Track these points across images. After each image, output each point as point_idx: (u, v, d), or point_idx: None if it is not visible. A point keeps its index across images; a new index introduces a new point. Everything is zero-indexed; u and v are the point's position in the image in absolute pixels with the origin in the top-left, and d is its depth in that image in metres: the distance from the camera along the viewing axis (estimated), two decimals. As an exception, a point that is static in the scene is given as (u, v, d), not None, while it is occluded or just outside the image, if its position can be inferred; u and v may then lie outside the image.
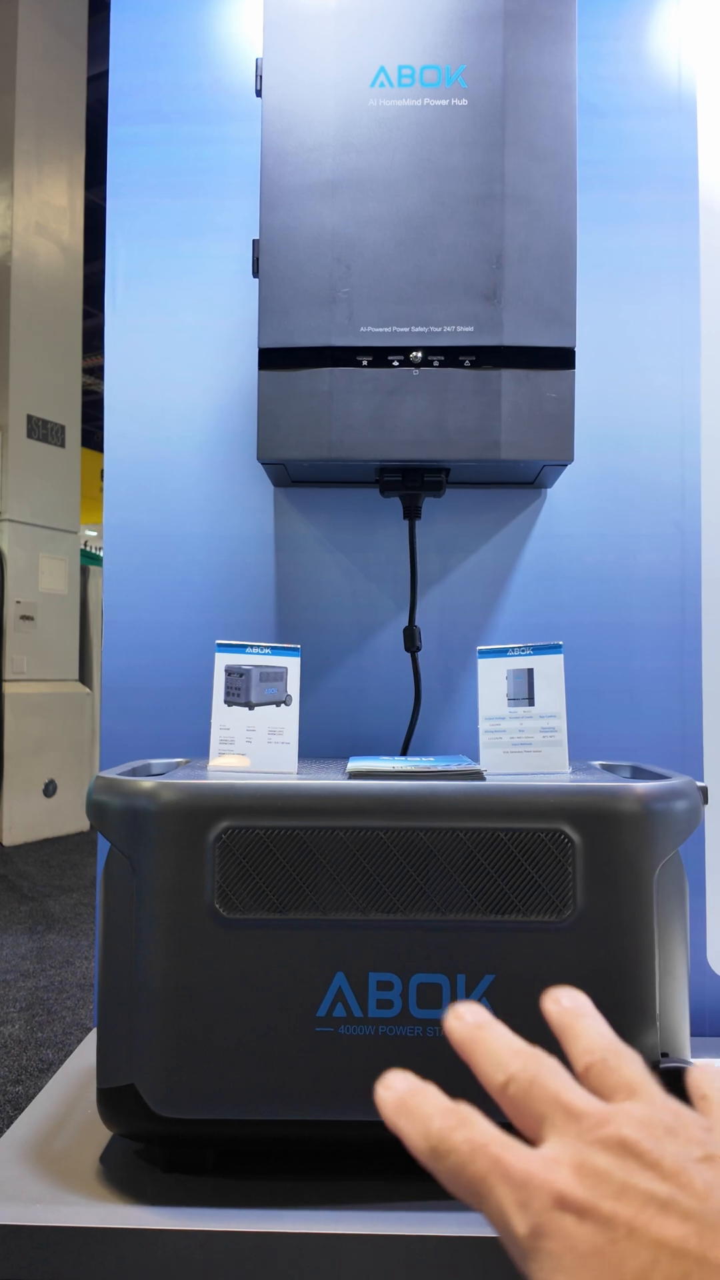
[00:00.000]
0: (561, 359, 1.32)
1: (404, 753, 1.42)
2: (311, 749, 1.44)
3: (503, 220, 1.31)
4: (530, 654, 1.21)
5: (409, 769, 1.08)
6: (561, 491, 1.49)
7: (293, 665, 1.21)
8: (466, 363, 1.31)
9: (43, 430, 6.78)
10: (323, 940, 1.00)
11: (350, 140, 1.32)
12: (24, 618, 6.53)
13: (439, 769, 1.08)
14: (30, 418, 6.76)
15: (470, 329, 1.31)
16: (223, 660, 1.20)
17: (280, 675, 1.20)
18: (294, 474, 1.44)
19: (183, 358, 1.52)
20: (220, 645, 1.21)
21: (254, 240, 1.35)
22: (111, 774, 1.08)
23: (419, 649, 1.41)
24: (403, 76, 1.33)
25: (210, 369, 1.51)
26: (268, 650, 1.21)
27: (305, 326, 1.33)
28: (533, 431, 1.31)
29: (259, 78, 1.36)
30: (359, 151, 1.32)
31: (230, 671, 1.19)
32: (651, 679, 1.47)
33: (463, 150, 1.32)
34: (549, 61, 1.33)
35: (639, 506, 1.48)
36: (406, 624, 1.42)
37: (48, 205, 7.16)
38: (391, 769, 1.08)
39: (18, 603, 6.49)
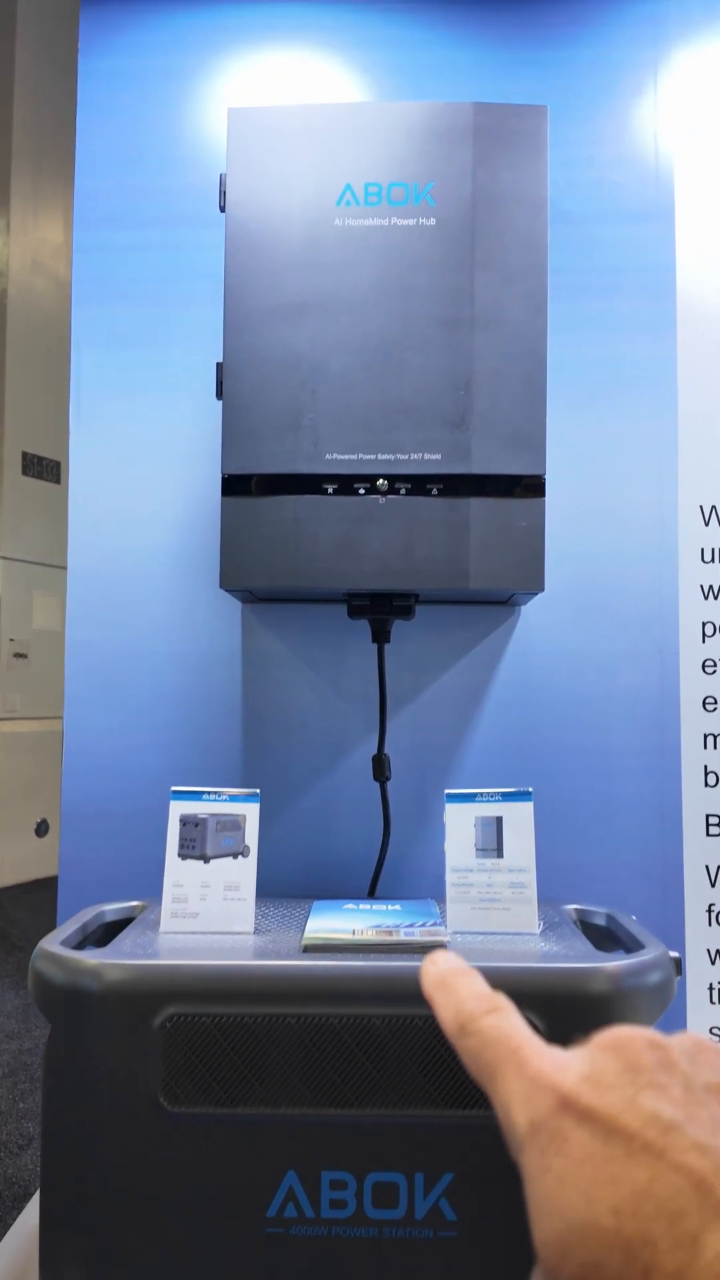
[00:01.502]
0: (531, 487, 1.28)
1: (371, 892, 1.37)
2: (279, 876, 1.39)
3: (472, 344, 1.27)
4: (500, 800, 1.16)
5: (367, 940, 1.03)
6: (537, 608, 1.44)
7: (251, 812, 1.16)
8: (434, 491, 1.27)
9: (38, 467, 6.75)
10: (273, 1136, 0.94)
11: (316, 261, 1.29)
12: (17, 655, 6.48)
13: (399, 939, 1.03)
14: (25, 454, 6.74)
15: (438, 456, 1.27)
16: (178, 809, 1.15)
17: (238, 824, 1.15)
18: (260, 593, 1.40)
19: (148, 469, 1.48)
20: (175, 793, 1.16)
21: (218, 364, 1.31)
22: (54, 945, 1.03)
23: (388, 778, 1.36)
24: (369, 195, 1.29)
25: (176, 480, 1.47)
26: (225, 797, 1.16)
27: (270, 453, 1.29)
28: (502, 561, 1.27)
29: (223, 194, 1.32)
30: (325, 272, 1.29)
31: (185, 821, 1.15)
32: (630, 804, 1.42)
33: (431, 271, 1.28)
34: (520, 178, 1.30)
35: (616, 624, 1.44)
36: (376, 751, 1.37)
37: (44, 243, 7.16)
38: (349, 940, 1.03)
39: (11, 640, 6.44)
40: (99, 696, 1.45)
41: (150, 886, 1.29)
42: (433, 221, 1.29)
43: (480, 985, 0.36)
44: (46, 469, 6.89)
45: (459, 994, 0.35)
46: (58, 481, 6.87)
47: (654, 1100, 0.29)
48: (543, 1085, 0.30)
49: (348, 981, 0.96)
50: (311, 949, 1.01)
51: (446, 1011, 0.34)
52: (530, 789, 1.14)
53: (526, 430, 1.27)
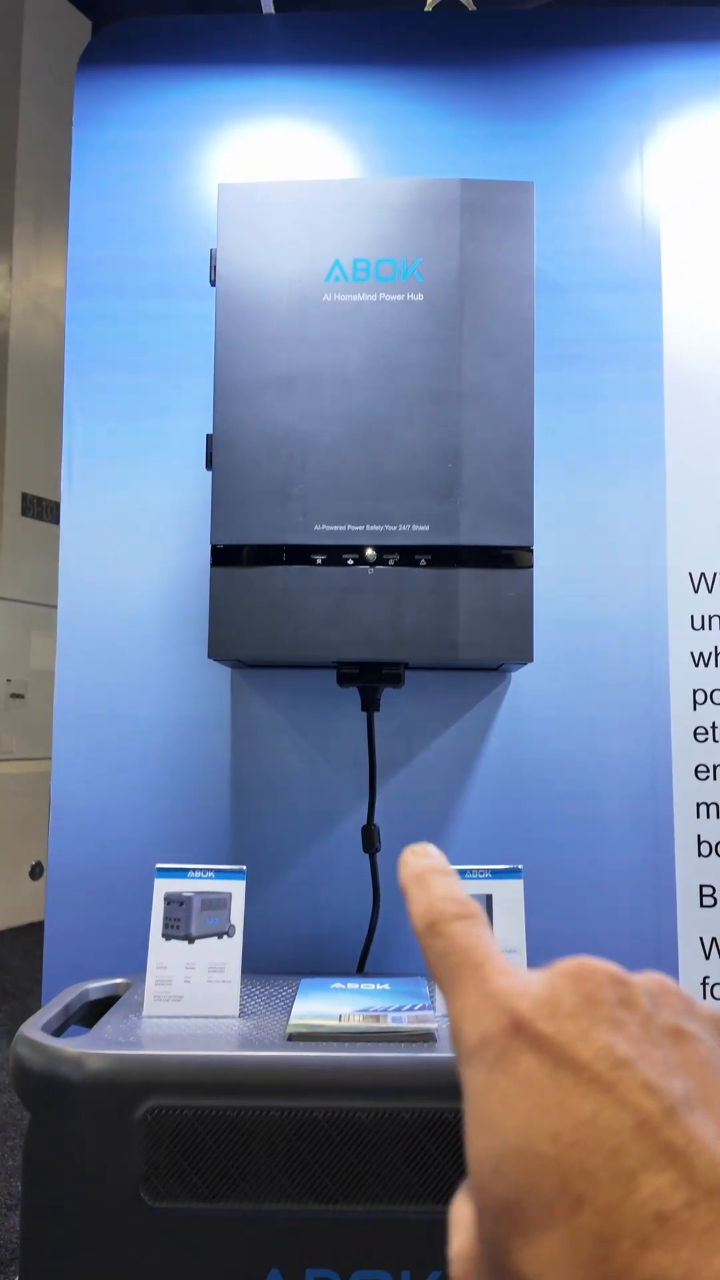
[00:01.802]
0: (520, 558, 1.28)
1: (361, 967, 1.35)
2: (266, 948, 1.37)
3: (459, 417, 1.28)
4: (489, 878, 1.15)
5: (354, 1028, 1.01)
6: (528, 673, 1.44)
7: (237, 890, 1.15)
8: (422, 562, 1.27)
9: (37, 508, 6.77)
10: (257, 1232, 0.92)
11: (305, 335, 1.30)
12: (14, 696, 6.46)
13: (386, 1026, 1.01)
14: (25, 495, 6.77)
15: (426, 528, 1.28)
16: (162, 887, 1.14)
17: (223, 902, 1.14)
18: (249, 661, 1.40)
19: (139, 535, 1.48)
20: (160, 870, 1.15)
21: (208, 435, 1.32)
22: (35, 1031, 1.01)
23: (378, 850, 1.35)
24: (358, 270, 1.30)
25: (167, 546, 1.48)
26: (211, 874, 1.15)
27: (259, 524, 1.29)
28: (491, 632, 1.27)
29: (213, 268, 1.34)
30: (314, 347, 1.30)
31: (170, 900, 1.13)
32: (623, 874, 1.41)
33: (419, 346, 1.29)
34: (507, 253, 1.31)
35: (607, 690, 1.43)
36: (365, 822, 1.36)
37: (45, 287, 7.25)
38: (335, 1027, 1.01)
39: (8, 681, 6.43)
40: (87, 762, 1.44)
41: (136, 959, 1.28)
42: (420, 297, 1.30)
43: (456, 888, 0.36)
44: (46, 510, 6.92)
45: (434, 892, 0.35)
46: (57, 522, 6.90)
47: (609, 1034, 0.28)
48: (498, 1003, 0.30)
49: (333, 1073, 0.94)
50: (297, 1037, 1.00)
51: (419, 906, 0.34)
52: (520, 866, 1.13)
53: (514, 502, 1.28)
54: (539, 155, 1.51)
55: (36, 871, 6.48)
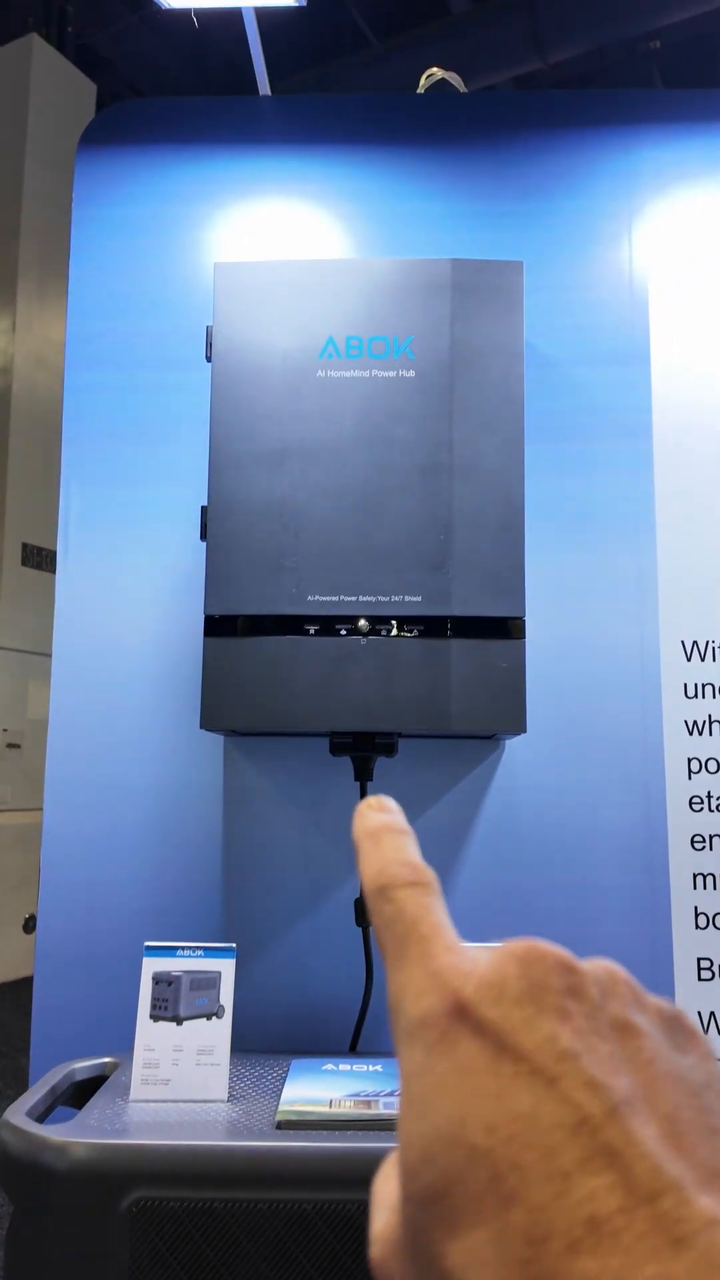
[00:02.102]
0: (512, 628, 1.28)
1: (353, 1045, 1.33)
2: (257, 1024, 1.35)
3: (450, 490, 1.30)
4: (481, 955, 1.14)
5: (344, 1115, 0.99)
6: (521, 741, 1.44)
7: (227, 969, 1.14)
8: (415, 632, 1.28)
9: (37, 557, 6.81)
10: (242, 1333, 0.90)
11: (299, 410, 1.32)
12: (10, 745, 6.44)
13: (378, 1113, 0.99)
14: (25, 545, 6.82)
15: (418, 599, 1.28)
16: (151, 966, 1.13)
17: (213, 982, 1.13)
18: (242, 730, 1.40)
19: (133, 602, 1.49)
20: (149, 949, 1.14)
21: (203, 507, 1.33)
22: (19, 1117, 0.99)
23: (370, 926, 1.33)
24: (351, 347, 1.33)
25: (160, 614, 1.48)
26: (200, 953, 1.14)
27: (252, 594, 1.30)
28: (484, 703, 1.27)
29: (209, 345, 1.36)
30: (307, 421, 1.32)
31: (158, 980, 1.12)
32: (620, 946, 1.39)
33: (410, 421, 1.31)
34: (497, 330, 1.34)
35: (601, 759, 1.43)
36: (358, 894, 1.34)
37: (48, 341, 7.37)
38: (325, 1114, 0.99)
39: (4, 730, 6.41)
40: (78, 831, 1.43)
41: (124, 1033, 1.26)
42: (412, 373, 1.32)
43: (411, 851, 0.34)
44: (46, 559, 6.95)
45: (386, 853, 0.33)
46: (54, 570, 6.92)
47: (554, 1025, 0.26)
48: (442, 982, 0.28)
49: (322, 1164, 0.92)
50: (286, 1125, 0.98)
51: (370, 866, 0.32)
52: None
53: (505, 573, 1.29)
54: (529, 233, 1.55)
55: (30, 924, 6.40)
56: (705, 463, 1.48)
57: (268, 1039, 1.35)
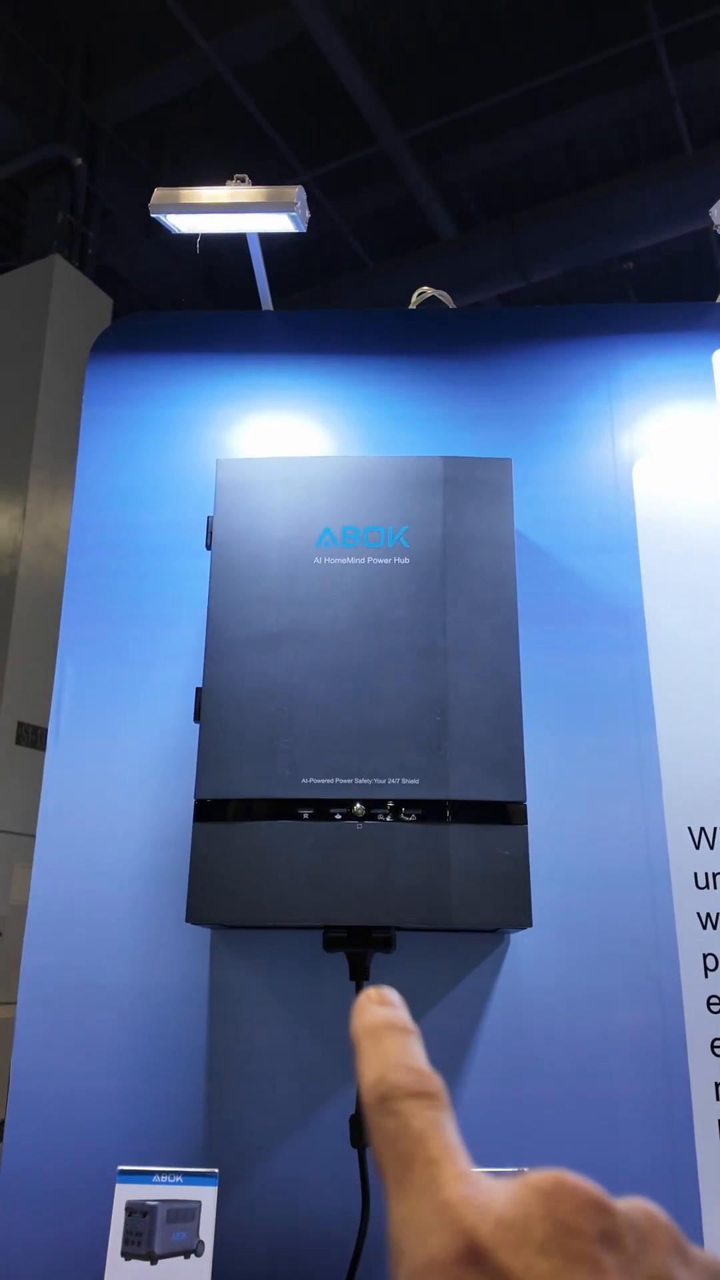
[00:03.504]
0: (513, 813, 1.25)
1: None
2: (241, 1259, 1.20)
3: (446, 672, 1.29)
4: (488, 1182, 1.03)
5: None
6: (526, 935, 1.36)
7: (208, 1198, 1.03)
8: (413, 816, 1.24)
9: (32, 736, 6.79)
10: None
11: (295, 595, 1.34)
12: (-9, 932, 6.17)
13: None
14: (20, 724, 6.81)
15: (415, 781, 1.25)
16: (124, 1193, 1.02)
17: (192, 1213, 1.02)
18: (230, 923, 1.33)
19: (121, 785, 1.45)
20: (122, 1174, 1.03)
21: (197, 689, 1.33)
22: None
23: (368, 1145, 1.22)
24: (346, 536, 1.36)
25: (148, 798, 1.45)
26: (178, 1178, 1.03)
27: (244, 777, 1.27)
28: (486, 894, 1.21)
29: (210, 534, 1.40)
30: (303, 606, 1.33)
31: (131, 1210, 1.01)
32: (639, 1166, 1.27)
33: (405, 605, 1.33)
34: (487, 522, 1.38)
35: (610, 955, 1.35)
36: (354, 1111, 1.24)
37: (56, 528, 7.66)
38: None
39: (-14, 915, 6.16)
40: (52, 1035, 1.33)
41: (93, 1273, 1.12)
42: (407, 560, 1.35)
43: (415, 1054, 0.30)
44: (40, 737, 6.92)
45: (389, 1056, 0.29)
46: (45, 749, 6.87)
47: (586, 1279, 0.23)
48: (454, 1219, 0.24)
49: None
50: None
51: (370, 1070, 0.29)
52: (525, 1171, 1.01)
53: (505, 755, 1.26)
54: (516, 433, 1.62)
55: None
56: (697, 648, 1.48)
57: (252, 1279, 1.20)
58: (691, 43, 4.23)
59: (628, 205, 4.56)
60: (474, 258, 4.95)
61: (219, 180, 1.62)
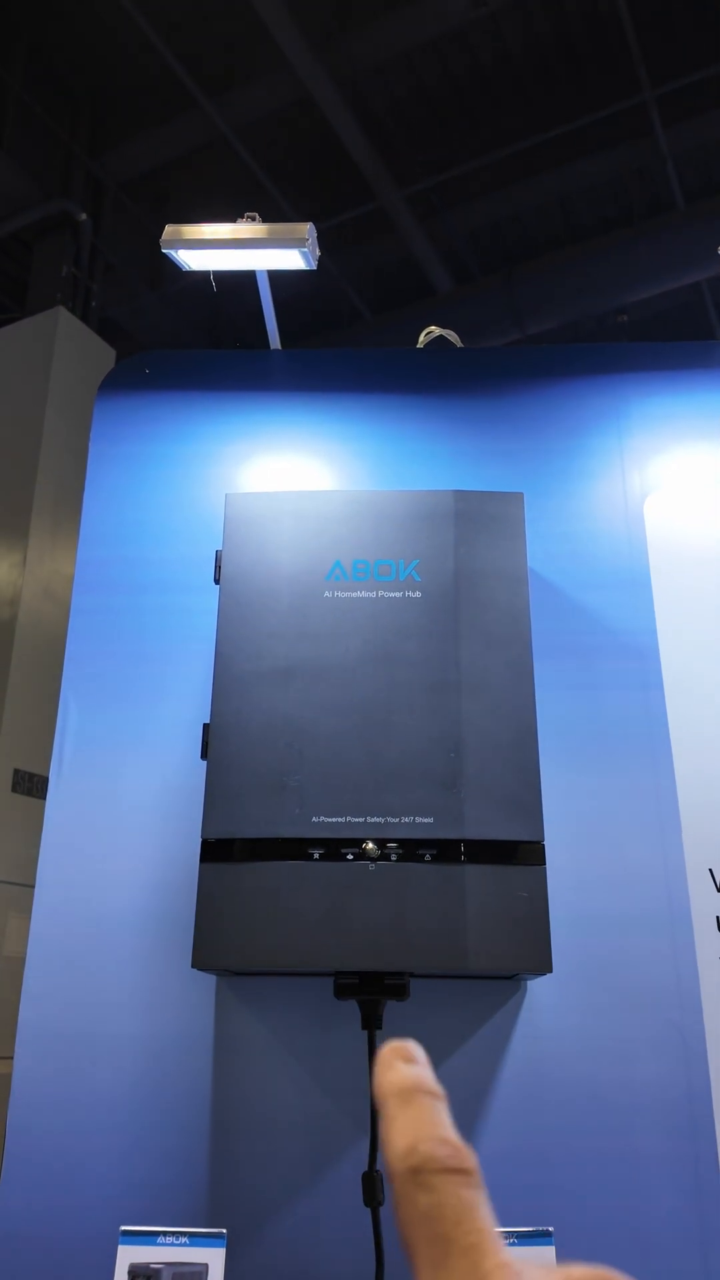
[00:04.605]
0: (530, 854, 1.21)
1: None
2: (248, 1333, 1.14)
3: (459, 708, 1.27)
4: (515, 1244, 0.98)
5: None
6: (544, 982, 1.32)
7: (215, 1260, 0.97)
8: (427, 856, 1.20)
9: (28, 784, 6.71)
10: None
11: (305, 629, 1.31)
12: (-17, 986, 6.02)
13: None
14: (17, 771, 6.73)
15: (430, 820, 1.22)
16: (127, 1256, 0.96)
17: (199, 1277, 0.96)
18: (237, 968, 1.28)
19: (125, 827, 1.41)
20: (125, 1234, 0.98)
21: (205, 725, 1.30)
22: None
23: (381, 1203, 1.16)
24: (357, 570, 1.34)
25: (153, 840, 1.40)
26: (185, 1240, 0.98)
27: (253, 816, 1.23)
28: (504, 937, 1.17)
29: (218, 568, 1.38)
30: (314, 640, 1.31)
31: (135, 1274, 0.95)
32: (665, 1227, 1.21)
33: (417, 639, 1.30)
34: (500, 555, 1.36)
35: (631, 1002, 1.31)
36: (366, 1168, 1.18)
37: (58, 575, 7.67)
38: None
39: (-23, 969, 6.02)
40: (50, 1087, 1.28)
41: None
42: (418, 594, 1.33)
43: (447, 1123, 0.29)
44: (37, 785, 6.84)
45: (422, 1124, 0.28)
46: (42, 797, 6.79)
47: None
48: None
49: None
50: None
51: (401, 1137, 0.27)
52: (550, 1230, 0.96)
53: (521, 794, 1.23)
54: (526, 470, 1.61)
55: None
56: (715, 685, 1.46)
57: None
58: (682, 103, 4.34)
59: (622, 260, 4.65)
60: (471, 311, 5.03)
61: (227, 221, 1.63)
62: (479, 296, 5.09)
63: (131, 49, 4.22)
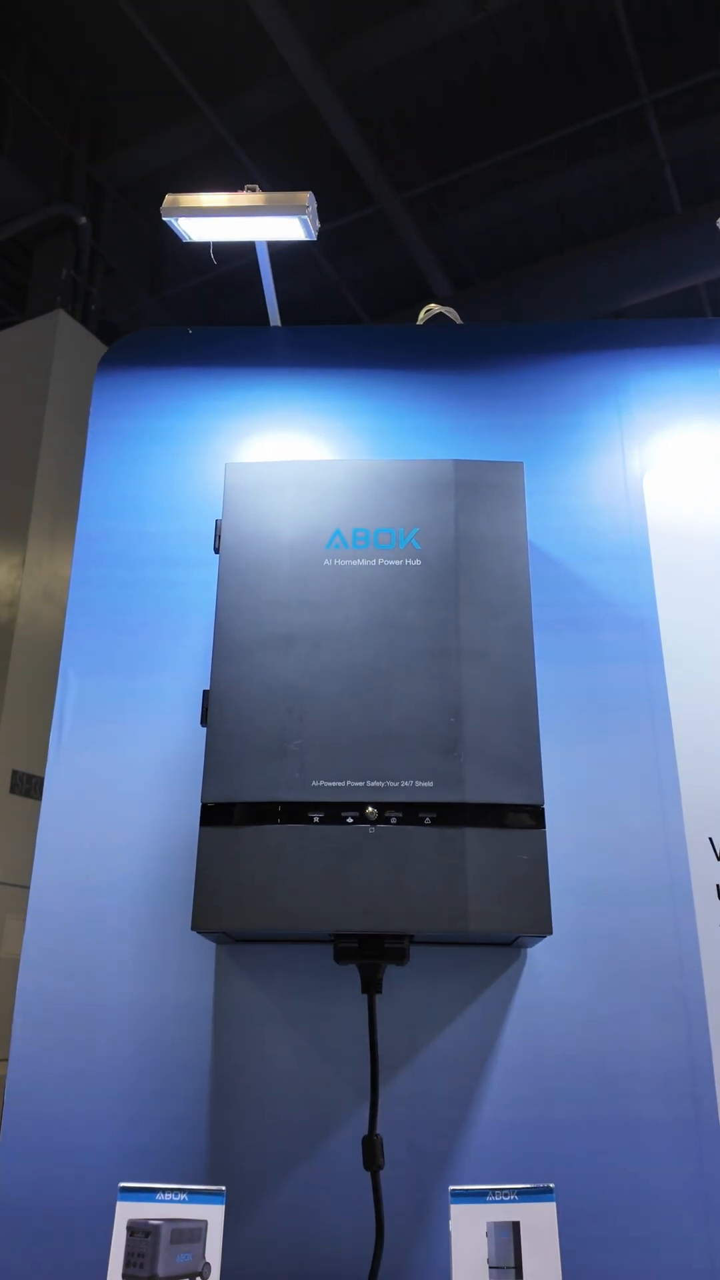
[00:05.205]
0: (530, 817, 1.21)
1: (361, 1323, 1.11)
2: (247, 1299, 1.13)
3: (459, 674, 1.27)
4: (516, 1200, 0.97)
5: None
6: (544, 948, 1.31)
7: (214, 1217, 0.96)
8: (427, 820, 1.20)
9: (26, 785, 6.69)
10: None
11: (305, 597, 1.32)
12: (-21, 991, 5.98)
13: None
14: (15, 773, 6.71)
15: (430, 784, 1.22)
16: (125, 1211, 0.96)
17: (197, 1234, 0.95)
18: (237, 934, 1.28)
19: (124, 797, 1.41)
20: (123, 1190, 0.97)
21: (205, 691, 1.30)
22: None
23: (381, 1166, 1.15)
24: (357, 538, 1.35)
25: (153, 808, 1.40)
26: (183, 1196, 0.97)
27: (253, 780, 1.23)
28: (504, 899, 1.17)
29: (218, 537, 1.38)
30: (314, 608, 1.31)
31: (133, 1229, 0.94)
32: (667, 1194, 1.20)
33: (417, 607, 1.31)
34: (500, 524, 1.36)
35: (632, 969, 1.30)
36: (366, 1132, 1.17)
37: (56, 576, 7.67)
38: None
39: (-26, 972, 5.98)
40: (49, 1056, 1.27)
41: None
42: (418, 562, 1.33)
43: None
44: (34, 786, 6.82)
45: None
46: (40, 798, 6.76)
47: None
48: None
49: None
50: None
51: None
52: (551, 1186, 0.96)
53: (520, 758, 1.23)
54: (526, 444, 1.62)
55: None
56: (714, 657, 1.46)
57: (257, 1321, 1.12)
58: (679, 109, 4.38)
59: (619, 263, 4.68)
60: (470, 315, 5.05)
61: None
62: (478, 300, 5.12)
63: (132, 54, 4.25)
